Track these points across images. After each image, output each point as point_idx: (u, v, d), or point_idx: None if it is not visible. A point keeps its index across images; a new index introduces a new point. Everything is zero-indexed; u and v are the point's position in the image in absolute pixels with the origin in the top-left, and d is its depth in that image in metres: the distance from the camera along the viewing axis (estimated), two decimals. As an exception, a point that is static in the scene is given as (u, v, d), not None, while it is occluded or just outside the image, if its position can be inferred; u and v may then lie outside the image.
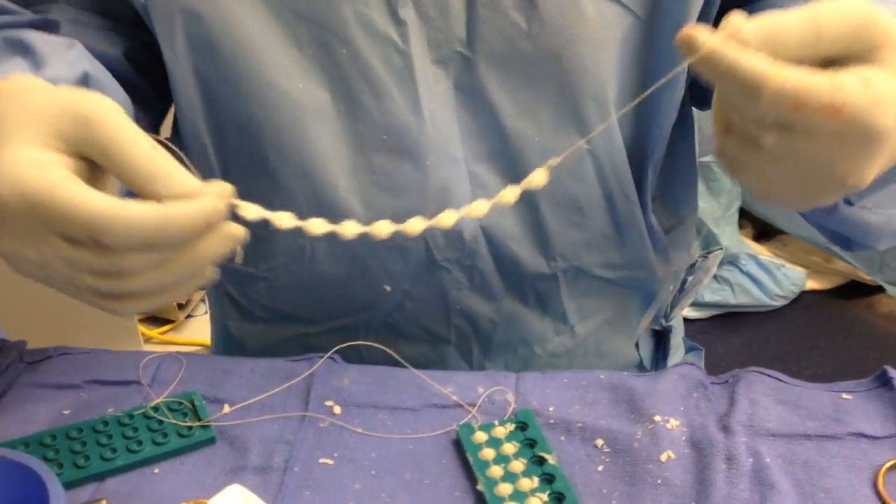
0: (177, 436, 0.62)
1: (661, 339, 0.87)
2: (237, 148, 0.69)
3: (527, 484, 0.58)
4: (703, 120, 0.78)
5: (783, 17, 0.45)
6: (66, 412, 0.65)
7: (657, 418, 0.63)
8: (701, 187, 1.98)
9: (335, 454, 0.62)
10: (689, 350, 0.92)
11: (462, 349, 0.77)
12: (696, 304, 2.11)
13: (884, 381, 0.64)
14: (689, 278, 0.87)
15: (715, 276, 2.09)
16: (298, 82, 0.65)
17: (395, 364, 0.68)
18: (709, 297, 2.10)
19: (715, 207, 2.05)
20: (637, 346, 0.84)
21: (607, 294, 0.77)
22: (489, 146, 0.68)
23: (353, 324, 0.76)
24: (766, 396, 0.64)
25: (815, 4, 0.45)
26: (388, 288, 0.73)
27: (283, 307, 0.77)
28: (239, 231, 0.50)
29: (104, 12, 0.70)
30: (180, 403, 0.64)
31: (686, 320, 1.49)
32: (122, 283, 0.48)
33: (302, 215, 0.69)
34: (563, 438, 0.62)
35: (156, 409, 0.64)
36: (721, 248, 0.96)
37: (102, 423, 0.63)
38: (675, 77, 0.67)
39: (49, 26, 0.66)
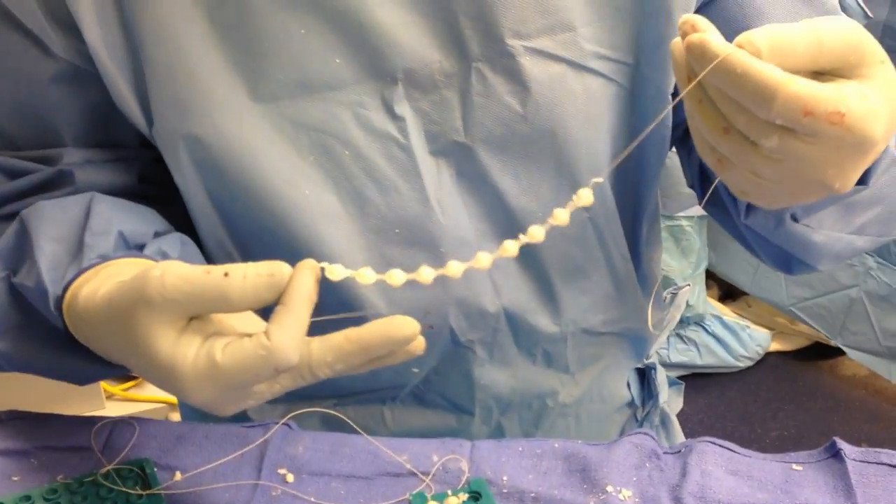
0: (127, 504, 0.61)
1: (644, 375, 0.90)
2: (258, 252, 0.70)
3: (478, 555, 0.58)
4: (665, 178, 0.81)
5: (790, 30, 0.48)
6: (16, 479, 0.64)
7: (609, 488, 0.63)
8: (672, 246, 2.00)
9: (287, 523, 0.61)
10: (670, 385, 0.95)
11: (484, 417, 0.79)
12: (662, 365, 2.12)
13: (833, 452, 0.65)
14: (663, 313, 0.90)
15: (681, 337, 2.11)
16: (304, 189, 0.66)
17: (353, 430, 0.68)
18: (675, 357, 2.11)
19: (685, 266, 2.08)
20: (628, 385, 0.87)
21: (605, 344, 0.81)
22: (496, 226, 0.71)
23: (379, 398, 0.77)
24: (718, 467, 0.64)
25: (814, 20, 0.49)
26: (415, 370, 0.75)
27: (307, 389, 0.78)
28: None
29: (111, 142, 0.70)
30: (131, 470, 0.64)
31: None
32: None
33: (325, 311, 0.70)
34: (515, 508, 0.62)
35: (106, 476, 0.63)
36: (688, 285, 0.99)
37: (52, 490, 0.62)
38: (659, 137, 0.71)
39: (63, 179, 0.68)
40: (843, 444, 0.65)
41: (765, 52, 0.48)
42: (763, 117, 0.49)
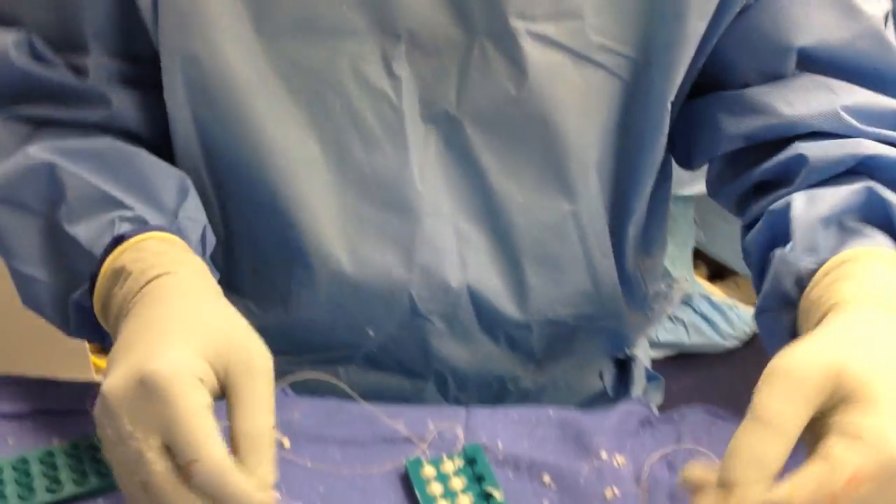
0: (123, 467, 0.61)
1: (623, 367, 0.89)
2: (233, 189, 0.70)
3: (474, 519, 0.59)
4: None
5: (765, 447, 0.47)
6: (11, 442, 0.64)
7: (604, 455, 0.63)
8: (657, 227, 2.00)
9: (283, 489, 0.61)
10: (649, 380, 0.93)
11: (439, 385, 0.78)
12: (650, 344, 2.13)
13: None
14: (655, 307, 0.89)
15: (669, 316, 2.12)
16: (289, 130, 0.66)
17: (348, 397, 0.68)
18: (663, 336, 2.12)
19: (671, 247, 2.08)
20: (601, 375, 0.86)
21: (578, 338, 0.79)
22: (475, 203, 0.70)
23: (333, 358, 0.76)
24: (710, 434, 0.65)
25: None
26: (371, 333, 0.74)
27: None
28: None
29: (130, 54, 0.68)
30: (128, 434, 0.64)
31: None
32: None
33: (289, 260, 0.70)
34: (510, 474, 0.63)
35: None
36: (686, 279, 0.98)
37: (48, 453, 0.62)
38: (655, 142, 0.69)
39: (100, 98, 0.66)
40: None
41: (749, 476, 0.46)
42: None
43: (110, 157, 0.65)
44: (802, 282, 0.60)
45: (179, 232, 0.62)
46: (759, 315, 0.64)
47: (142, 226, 0.61)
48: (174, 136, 0.69)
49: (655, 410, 0.68)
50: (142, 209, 0.62)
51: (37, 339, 1.27)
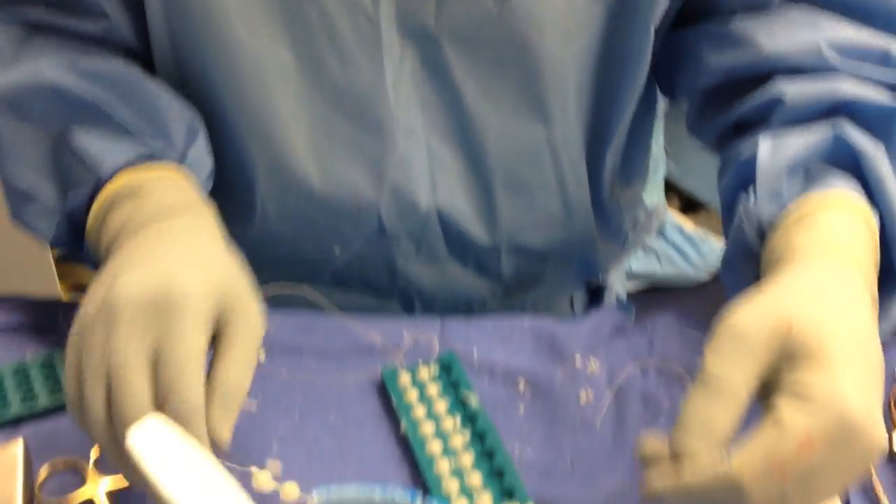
0: (98, 379, 0.61)
1: (595, 295, 0.89)
2: (204, 95, 0.68)
3: (450, 424, 0.59)
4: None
5: (715, 411, 0.45)
6: (-17, 357, 0.64)
7: (578, 361, 0.64)
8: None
9: (259, 399, 0.62)
10: (620, 309, 0.94)
11: (404, 303, 0.78)
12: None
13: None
14: (631, 237, 0.89)
15: (641, 246, 2.13)
16: (263, 38, 0.64)
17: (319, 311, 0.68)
18: (635, 266, 2.13)
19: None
20: (571, 301, 0.86)
21: (548, 266, 0.79)
22: (449, 124, 0.69)
23: (300, 275, 0.76)
24: (684, 341, 0.66)
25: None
26: (337, 251, 0.73)
27: None
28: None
29: None
30: (102, 348, 0.64)
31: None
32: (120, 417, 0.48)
33: (259, 177, 0.69)
34: (486, 380, 0.63)
35: (76, 353, 0.63)
36: (665, 208, 0.97)
37: (20, 367, 0.62)
38: (637, 68, 0.68)
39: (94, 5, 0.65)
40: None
41: (698, 446, 0.45)
42: (759, 501, 0.45)
43: (125, 84, 0.64)
44: (764, 232, 0.58)
45: (189, 170, 0.62)
46: (725, 273, 0.63)
47: (158, 153, 0.61)
48: (152, 42, 0.67)
49: (632, 318, 0.69)
50: (154, 140, 0.62)
51: (3, 258, 1.27)
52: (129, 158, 0.60)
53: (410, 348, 0.65)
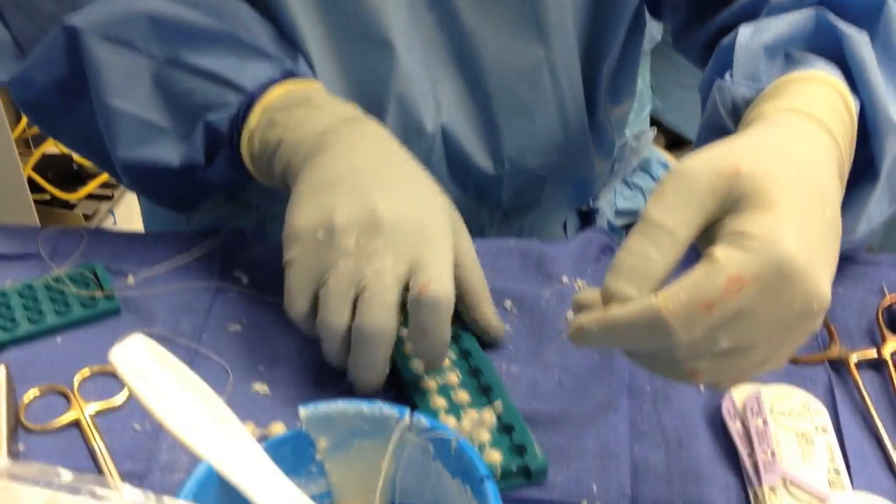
0: (80, 306, 0.61)
1: (586, 219, 0.89)
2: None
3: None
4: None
5: (649, 252, 0.43)
6: (-38, 286, 0.62)
7: (565, 280, 0.64)
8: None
9: (244, 321, 0.61)
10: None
11: None
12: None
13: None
14: (621, 157, 0.89)
15: (627, 183, 2.12)
16: None
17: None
18: (621, 203, 2.13)
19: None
20: (564, 225, 0.86)
21: (546, 189, 0.79)
22: (446, 43, 0.69)
23: None
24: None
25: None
26: None
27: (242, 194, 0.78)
28: None
29: None
30: (82, 275, 0.63)
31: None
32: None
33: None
34: (472, 301, 0.63)
35: (57, 279, 0.62)
36: (653, 129, 0.97)
37: (1, 294, 0.61)
38: None
39: None
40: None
41: (628, 289, 0.43)
42: (685, 342, 0.42)
43: (220, 6, 0.63)
44: (739, 111, 0.56)
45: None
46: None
47: (295, 70, 0.62)
48: None
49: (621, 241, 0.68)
50: (284, 59, 0.63)
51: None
52: (272, 75, 0.61)
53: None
